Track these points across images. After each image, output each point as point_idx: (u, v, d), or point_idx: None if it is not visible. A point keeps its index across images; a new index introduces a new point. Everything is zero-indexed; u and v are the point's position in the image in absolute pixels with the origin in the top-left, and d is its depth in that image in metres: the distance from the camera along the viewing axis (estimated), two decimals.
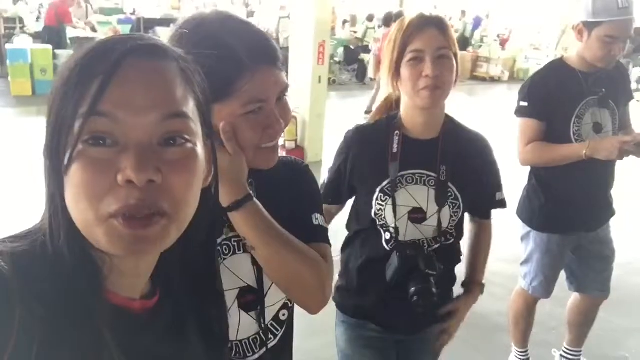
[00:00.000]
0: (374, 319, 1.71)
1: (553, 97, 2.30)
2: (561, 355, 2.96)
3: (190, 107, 0.66)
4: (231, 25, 0.98)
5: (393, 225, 1.59)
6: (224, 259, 1.03)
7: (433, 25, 1.50)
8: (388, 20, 9.65)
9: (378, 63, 9.26)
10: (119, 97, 0.60)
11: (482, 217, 1.79)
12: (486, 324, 3.24)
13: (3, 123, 7.32)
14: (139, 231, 0.60)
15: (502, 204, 1.75)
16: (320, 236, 1.12)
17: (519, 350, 2.83)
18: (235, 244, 1.04)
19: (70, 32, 10.69)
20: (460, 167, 1.61)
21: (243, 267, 1.04)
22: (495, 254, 3.95)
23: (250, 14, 15.92)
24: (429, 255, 1.56)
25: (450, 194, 1.60)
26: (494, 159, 1.71)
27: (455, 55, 1.53)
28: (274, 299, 1.08)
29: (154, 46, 0.65)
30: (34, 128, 5.91)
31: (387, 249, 1.61)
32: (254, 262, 1.05)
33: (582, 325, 2.79)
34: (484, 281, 1.83)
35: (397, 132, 1.60)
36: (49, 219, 0.64)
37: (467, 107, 9.37)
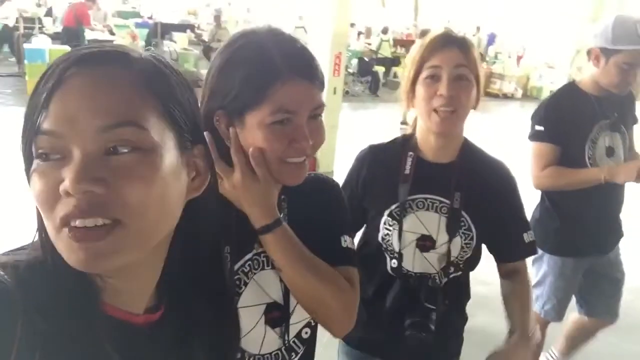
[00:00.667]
0: (380, 353, 1.61)
1: (568, 121, 2.33)
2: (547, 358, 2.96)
3: (150, 115, 0.62)
4: (277, 38, 1.00)
5: (398, 251, 1.52)
6: (254, 273, 1.05)
7: (455, 44, 1.43)
8: (425, 35, 9.76)
9: None
10: (59, 111, 0.59)
11: (509, 260, 1.62)
12: (494, 342, 3.22)
13: (16, 121, 7.39)
14: (89, 244, 0.58)
15: (532, 247, 1.59)
16: (348, 259, 1.12)
17: None
18: (264, 259, 1.06)
19: (89, 35, 10.80)
20: (477, 195, 1.50)
21: (271, 283, 1.06)
22: None
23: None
24: (433, 288, 1.48)
25: (463, 223, 1.50)
26: (516, 190, 1.58)
27: (477, 78, 1.45)
28: (298, 317, 1.09)
29: (102, 52, 0.62)
30: None
31: (392, 275, 1.56)
32: (282, 279, 1.07)
33: (580, 340, 2.81)
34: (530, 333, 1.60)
35: (411, 153, 1.53)
36: (39, 232, 0.65)
37: (480, 123, 9.37)
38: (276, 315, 1.06)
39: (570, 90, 2.42)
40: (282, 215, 1.06)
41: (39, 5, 14.35)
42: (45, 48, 9.55)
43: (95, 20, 11.80)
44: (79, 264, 0.59)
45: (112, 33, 11.70)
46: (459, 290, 1.60)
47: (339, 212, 1.19)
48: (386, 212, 1.53)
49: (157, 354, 0.70)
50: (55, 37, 10.88)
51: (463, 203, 1.49)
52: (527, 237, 1.58)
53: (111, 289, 0.65)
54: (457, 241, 1.50)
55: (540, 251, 2.52)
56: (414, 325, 1.45)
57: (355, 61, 12.98)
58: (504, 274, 1.63)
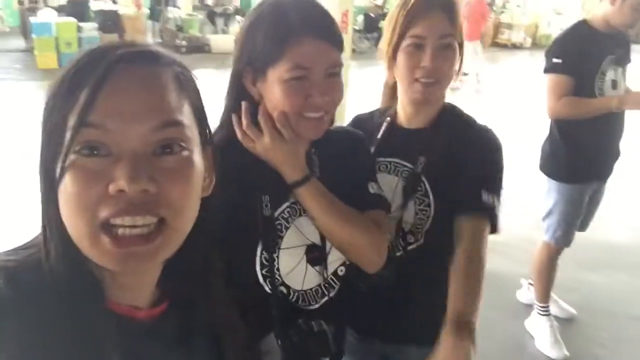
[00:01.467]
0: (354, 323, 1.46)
1: (581, 55, 2.52)
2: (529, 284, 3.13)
3: (186, 114, 0.64)
4: (297, 1, 1.09)
5: None
6: (293, 219, 1.15)
7: (440, 8, 1.34)
8: None
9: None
10: (109, 107, 0.59)
11: (459, 211, 1.35)
12: (506, 285, 3.36)
13: (31, 96, 7.51)
14: (133, 248, 0.59)
15: (485, 207, 1.33)
16: (375, 204, 1.21)
17: (541, 305, 2.95)
18: (301, 207, 1.14)
19: (93, 5, 10.77)
20: (443, 161, 1.39)
21: (309, 227, 1.15)
22: (516, 220, 4.08)
23: None
24: (389, 258, 1.25)
25: (420, 188, 1.40)
26: (496, 159, 1.40)
27: (461, 45, 1.38)
28: (334, 257, 1.19)
29: (146, 52, 0.64)
30: None
31: None
32: (315, 226, 1.16)
33: (553, 269, 2.91)
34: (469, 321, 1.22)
35: (388, 119, 1.50)
36: (43, 231, 0.63)
37: (490, 74, 9.32)
38: (316, 255, 1.16)
39: (582, 27, 2.62)
40: (314, 169, 1.15)
41: None
42: (51, 21, 9.57)
43: None
44: (118, 266, 0.60)
45: (114, 2, 11.66)
46: (420, 262, 1.39)
47: (365, 160, 1.28)
48: None
49: (158, 348, 0.70)
50: (60, 10, 10.87)
51: (425, 168, 1.40)
52: (486, 196, 1.33)
53: (117, 285, 0.65)
54: (411, 206, 1.41)
55: (551, 182, 2.76)
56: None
57: (361, 18, 12.83)
58: (456, 239, 1.33)
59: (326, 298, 1.20)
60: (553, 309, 3.01)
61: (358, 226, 1.14)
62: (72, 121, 0.58)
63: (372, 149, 1.42)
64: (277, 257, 1.11)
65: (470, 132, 1.43)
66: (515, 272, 3.39)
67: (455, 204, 1.35)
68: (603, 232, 3.87)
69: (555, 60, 2.55)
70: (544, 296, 2.94)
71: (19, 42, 11.51)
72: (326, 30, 1.07)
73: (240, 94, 1.11)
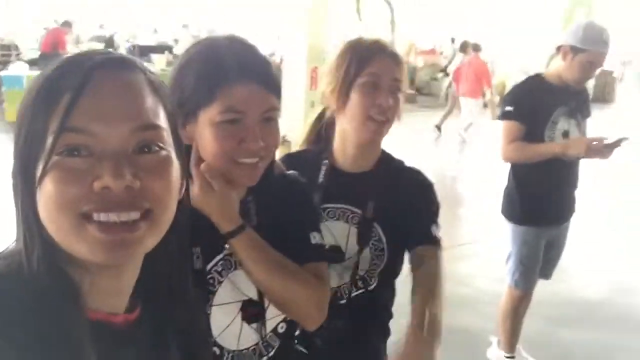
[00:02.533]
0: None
1: (532, 104, 2.69)
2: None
3: (162, 118, 0.67)
4: (233, 45, 1.05)
5: None
6: (228, 272, 1.07)
7: (391, 55, 1.40)
8: (464, 47, 10.45)
9: (457, 81, 9.86)
10: (90, 110, 0.61)
11: (413, 244, 1.44)
12: (477, 341, 3.27)
13: (2, 146, 7.35)
14: (121, 235, 0.61)
15: (437, 239, 1.42)
16: (317, 256, 1.16)
17: (506, 354, 2.94)
18: (236, 259, 1.08)
19: None
20: (390, 205, 1.42)
21: (246, 281, 1.08)
22: (485, 273, 4.03)
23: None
24: (334, 305, 1.29)
25: (374, 234, 1.42)
26: (434, 196, 1.48)
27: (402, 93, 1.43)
28: (273, 313, 1.11)
29: (122, 59, 0.67)
30: None
31: None
32: (250, 280, 1.08)
33: (520, 316, 2.94)
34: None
35: (325, 161, 1.46)
36: (24, 237, 0.64)
37: (458, 129, 9.52)
38: (252, 311, 1.09)
39: (535, 79, 2.81)
40: (250, 217, 1.09)
41: (13, 32, 14.30)
42: (23, 74, 9.51)
43: (72, 44, 11.81)
44: (107, 254, 0.61)
45: None
46: (372, 306, 1.46)
47: (307, 210, 1.21)
48: None
49: (135, 352, 0.70)
50: (32, 63, 10.84)
51: (376, 213, 1.42)
52: (435, 230, 1.43)
53: (95, 290, 0.66)
54: (366, 253, 1.42)
55: (509, 225, 2.86)
56: (300, 339, 1.34)
57: None
58: (412, 268, 1.44)
59: (265, 358, 1.11)
60: None
61: (296, 280, 1.07)
62: (53, 126, 0.60)
63: (315, 195, 1.39)
64: (209, 314, 1.03)
65: (407, 173, 1.49)
66: (485, 328, 3.31)
67: (405, 242, 1.43)
68: (572, 287, 3.85)
69: (507, 108, 2.72)
70: (508, 346, 2.93)
71: None
72: (262, 75, 1.03)
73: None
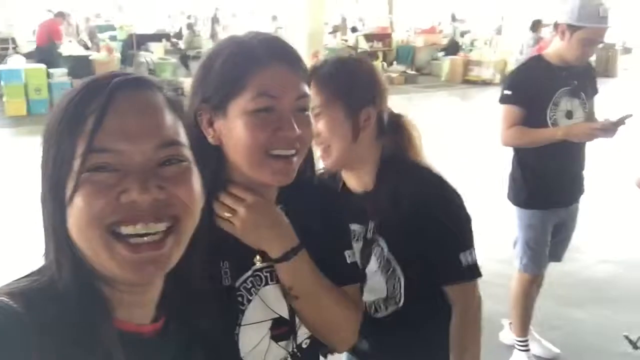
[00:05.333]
0: None
1: (533, 87, 2.63)
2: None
3: (181, 134, 0.70)
4: (258, 35, 0.98)
5: None
6: (257, 289, 0.99)
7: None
8: (536, 26, 10.60)
9: None
10: (115, 131, 0.64)
11: (443, 282, 1.36)
12: (489, 325, 3.23)
13: (4, 142, 7.35)
14: (149, 253, 0.64)
15: (468, 270, 1.33)
16: (353, 277, 1.09)
17: (519, 339, 2.90)
18: (268, 274, 1.00)
19: (64, 51, 10.71)
20: (394, 224, 1.32)
21: (276, 299, 1.00)
22: (493, 255, 4.01)
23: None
24: (371, 319, 1.35)
25: (376, 254, 1.36)
26: (456, 213, 1.35)
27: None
28: (303, 331, 1.04)
29: (139, 79, 0.70)
30: (29, 148, 5.91)
31: None
32: (294, 305, 1.01)
33: (531, 300, 2.89)
34: None
35: (341, 183, 1.43)
36: (55, 255, 0.66)
37: (461, 110, 9.45)
38: (282, 330, 1.01)
39: (536, 60, 2.76)
40: None
41: (10, 25, 14.20)
42: (20, 68, 9.46)
43: (68, 36, 11.71)
44: (136, 273, 0.64)
45: (86, 47, 11.63)
46: (398, 325, 1.39)
47: (340, 223, 1.11)
48: None
49: None
50: (29, 56, 10.78)
51: (379, 231, 1.35)
52: (465, 258, 1.32)
53: (123, 303, 0.68)
54: (376, 275, 1.37)
55: (515, 209, 2.81)
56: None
57: None
58: (451, 302, 1.37)
59: None
60: (535, 349, 2.94)
61: (340, 306, 1.01)
62: (80, 148, 0.63)
63: None
64: (237, 334, 0.96)
65: (411, 188, 1.32)
66: (496, 311, 3.29)
67: (434, 271, 1.34)
68: (583, 266, 3.82)
69: (506, 92, 2.68)
70: (521, 330, 2.89)
71: None
72: (293, 59, 0.96)
73: (196, 145, 0.82)
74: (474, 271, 1.34)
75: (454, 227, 1.34)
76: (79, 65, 10.07)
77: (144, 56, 12.04)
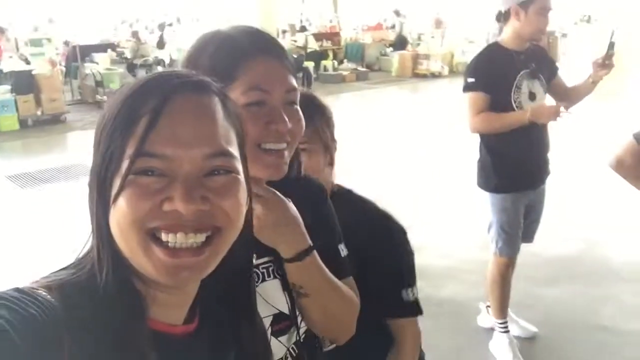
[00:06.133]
0: None
1: (495, 72, 2.70)
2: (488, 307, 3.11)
3: (233, 144, 0.68)
4: (241, 28, 0.97)
5: None
6: (257, 286, 0.96)
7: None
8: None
9: None
10: (166, 135, 0.62)
11: (386, 315, 1.37)
12: (466, 311, 3.32)
13: None
14: (187, 259, 0.63)
15: (409, 305, 1.34)
16: (348, 270, 1.09)
17: (499, 321, 2.96)
18: (265, 270, 1.00)
19: (5, 67, 10.30)
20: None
21: (275, 294, 1.00)
22: (466, 242, 4.09)
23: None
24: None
25: None
26: (404, 248, 1.36)
27: None
28: (302, 325, 1.05)
29: (199, 82, 0.67)
30: None
31: None
32: (285, 288, 1.01)
33: (507, 282, 2.95)
34: None
35: None
36: (97, 249, 0.66)
37: (413, 103, 9.60)
38: (282, 325, 1.01)
39: (494, 47, 2.82)
40: None
41: None
42: None
43: (7, 51, 11.27)
44: (170, 277, 0.63)
45: (27, 62, 11.19)
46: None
47: (330, 217, 1.11)
48: None
49: None
50: None
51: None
52: (407, 294, 1.34)
53: (158, 302, 0.68)
54: None
55: (486, 195, 2.86)
56: None
57: None
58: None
59: None
60: (514, 329, 3.01)
61: (348, 301, 1.02)
62: (130, 149, 0.62)
63: None
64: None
65: (365, 223, 1.32)
66: (472, 296, 3.37)
67: (375, 305, 1.25)
68: (551, 245, 3.94)
69: (469, 79, 2.73)
70: (500, 312, 2.96)
71: None
72: (279, 52, 0.95)
73: None
74: (414, 308, 1.36)
75: (397, 264, 1.35)
76: (22, 81, 9.69)
77: (89, 67, 11.69)
